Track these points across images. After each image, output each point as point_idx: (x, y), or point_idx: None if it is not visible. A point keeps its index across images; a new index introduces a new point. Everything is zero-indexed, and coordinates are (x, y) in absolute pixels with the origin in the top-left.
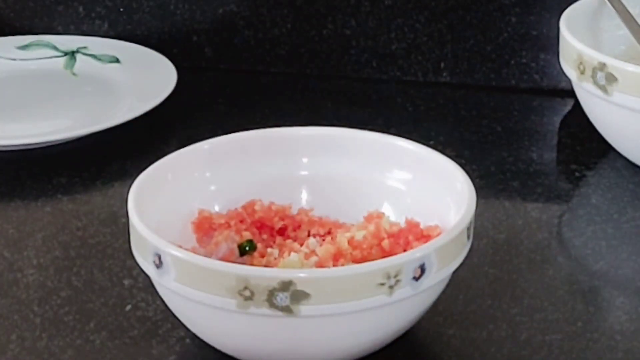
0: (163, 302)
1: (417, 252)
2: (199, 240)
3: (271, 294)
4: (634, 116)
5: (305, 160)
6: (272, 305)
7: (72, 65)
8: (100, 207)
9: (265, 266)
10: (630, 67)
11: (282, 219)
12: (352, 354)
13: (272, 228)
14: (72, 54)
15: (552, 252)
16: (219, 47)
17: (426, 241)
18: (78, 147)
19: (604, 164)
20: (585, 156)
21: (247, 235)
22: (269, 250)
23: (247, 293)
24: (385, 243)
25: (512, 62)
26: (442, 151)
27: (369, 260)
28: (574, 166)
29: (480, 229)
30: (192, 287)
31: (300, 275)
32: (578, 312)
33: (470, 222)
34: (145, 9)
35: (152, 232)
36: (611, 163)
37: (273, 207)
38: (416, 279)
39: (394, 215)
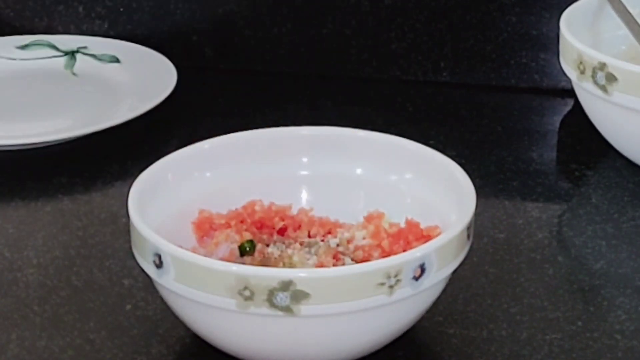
0: (163, 301)
1: (417, 252)
2: (199, 241)
3: (271, 293)
4: (634, 116)
5: (305, 160)
6: (272, 305)
7: (72, 65)
8: (100, 207)
9: (266, 266)
10: (630, 67)
11: (283, 219)
12: (352, 353)
13: (272, 228)
14: (72, 54)
15: (552, 251)
16: (219, 47)
17: (426, 241)
18: (78, 147)
19: (604, 163)
20: (585, 156)
21: (247, 235)
22: (269, 250)
23: (247, 293)
24: (385, 243)
25: (512, 62)
26: (442, 151)
27: (369, 261)
28: (574, 166)
29: (480, 228)
30: (192, 287)
31: (300, 275)
32: (578, 312)
33: (470, 222)
34: (145, 9)
35: (153, 232)
36: (611, 163)
37: (273, 207)
38: (416, 278)
39: (394, 215)
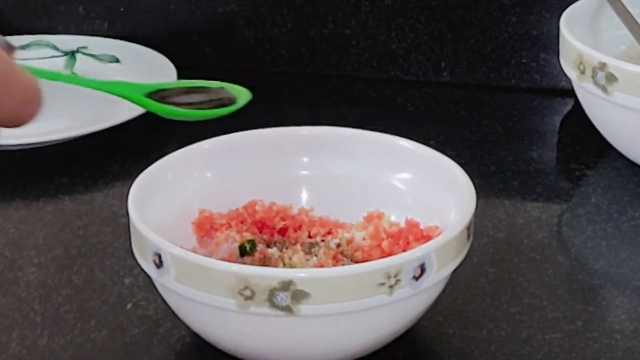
0: (163, 301)
1: (417, 252)
2: (200, 241)
3: (271, 293)
4: (634, 116)
5: (305, 160)
6: (273, 305)
7: (72, 65)
8: (101, 207)
9: (266, 266)
10: (630, 67)
11: (283, 219)
12: (352, 353)
13: (272, 228)
14: (72, 54)
15: (552, 251)
16: (219, 47)
17: (426, 241)
18: (78, 147)
19: (604, 163)
20: (585, 155)
21: (247, 235)
22: (270, 250)
23: (247, 293)
24: (385, 244)
25: (512, 61)
26: (442, 151)
27: (369, 261)
28: (573, 165)
29: (480, 228)
30: (193, 287)
31: (301, 275)
32: (578, 311)
33: (470, 222)
34: (145, 9)
35: (153, 232)
36: (611, 162)
37: (274, 207)
38: (416, 278)
39: (394, 215)
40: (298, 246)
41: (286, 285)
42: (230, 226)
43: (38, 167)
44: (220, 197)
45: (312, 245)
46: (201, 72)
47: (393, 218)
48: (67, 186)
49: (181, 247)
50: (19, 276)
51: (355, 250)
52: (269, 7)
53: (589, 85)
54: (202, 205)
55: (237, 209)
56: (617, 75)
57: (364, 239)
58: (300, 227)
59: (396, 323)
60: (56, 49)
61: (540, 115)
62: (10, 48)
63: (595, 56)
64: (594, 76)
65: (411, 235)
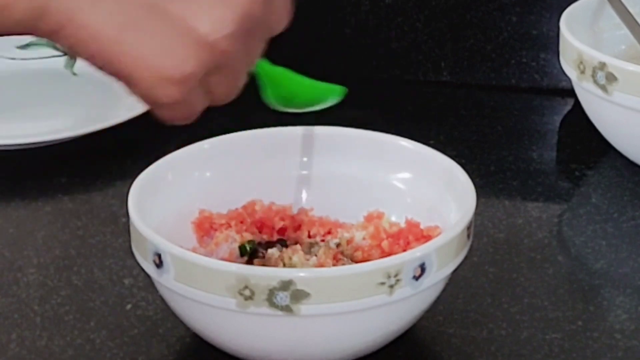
0: (163, 301)
1: (417, 252)
2: (200, 240)
3: (271, 293)
4: (634, 116)
5: (305, 160)
6: (272, 304)
7: (72, 65)
8: (100, 207)
9: (266, 266)
10: (630, 67)
11: (283, 219)
12: (352, 353)
13: (272, 228)
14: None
15: (552, 251)
16: None
17: (426, 241)
18: (78, 147)
19: (604, 163)
20: (585, 155)
21: (247, 235)
22: (269, 250)
23: (247, 292)
24: (385, 244)
25: (512, 61)
26: (442, 151)
27: (369, 261)
28: (574, 165)
29: (480, 228)
30: (192, 287)
31: (301, 274)
32: (578, 311)
33: (471, 222)
34: None
35: (153, 232)
36: (611, 162)
37: (273, 207)
38: (416, 278)
39: (394, 215)
40: (298, 246)
41: (286, 285)
42: (230, 226)
43: (37, 167)
44: (220, 197)
45: (311, 245)
46: None
47: (393, 218)
48: (66, 186)
49: (181, 247)
50: (18, 277)
51: (355, 250)
52: None
53: (589, 85)
54: (202, 205)
55: (236, 209)
56: (617, 75)
57: (364, 238)
58: (300, 227)
59: (396, 323)
60: (56, 48)
61: (540, 115)
62: None
63: (595, 56)
64: (594, 76)
65: (411, 235)
